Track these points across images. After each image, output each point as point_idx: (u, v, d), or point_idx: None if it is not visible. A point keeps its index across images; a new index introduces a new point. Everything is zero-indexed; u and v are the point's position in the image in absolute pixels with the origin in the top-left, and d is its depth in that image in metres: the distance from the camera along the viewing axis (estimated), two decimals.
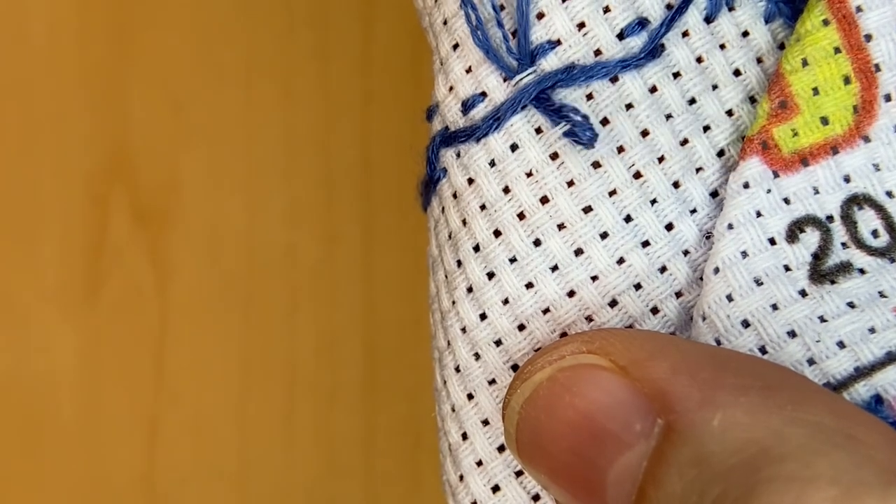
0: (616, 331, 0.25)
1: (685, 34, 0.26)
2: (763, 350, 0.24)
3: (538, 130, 0.26)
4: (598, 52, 0.26)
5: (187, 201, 0.45)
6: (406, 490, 0.45)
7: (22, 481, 0.45)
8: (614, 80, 0.25)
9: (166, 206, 0.45)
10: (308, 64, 0.45)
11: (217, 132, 0.45)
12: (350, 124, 0.45)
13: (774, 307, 0.24)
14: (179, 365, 0.45)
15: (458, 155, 0.26)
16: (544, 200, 0.26)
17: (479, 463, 0.27)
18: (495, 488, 0.26)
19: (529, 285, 0.26)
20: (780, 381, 0.23)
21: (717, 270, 0.25)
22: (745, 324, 0.24)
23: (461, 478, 0.27)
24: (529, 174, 0.26)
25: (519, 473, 0.26)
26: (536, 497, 0.26)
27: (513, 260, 0.26)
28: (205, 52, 0.45)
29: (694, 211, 0.25)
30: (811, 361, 0.24)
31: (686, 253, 0.26)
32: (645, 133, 0.25)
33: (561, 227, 0.26)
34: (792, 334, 0.24)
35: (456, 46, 0.26)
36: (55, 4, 0.45)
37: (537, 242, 0.26)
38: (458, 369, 0.27)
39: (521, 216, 0.26)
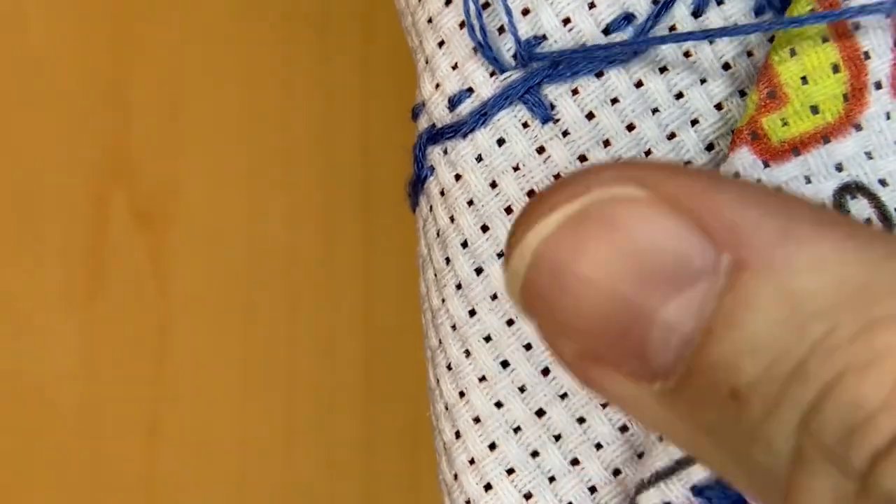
0: (658, 162, 0.21)
1: (672, 29, 0.25)
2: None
3: (525, 125, 0.26)
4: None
5: (187, 201, 0.45)
6: (406, 490, 0.45)
7: (22, 481, 0.45)
8: (599, 74, 0.25)
9: (166, 206, 0.45)
10: (308, 64, 0.45)
11: (217, 132, 0.45)
12: (350, 124, 0.45)
13: None
14: (179, 365, 0.45)
15: (446, 152, 0.26)
16: (531, 194, 0.26)
17: (472, 461, 0.26)
18: (487, 486, 0.26)
19: None
20: (851, 221, 0.20)
21: None
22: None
23: (455, 476, 0.27)
24: (516, 168, 0.26)
25: (510, 472, 0.26)
26: (528, 495, 0.26)
27: (500, 255, 0.26)
28: (205, 52, 0.45)
29: None
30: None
31: None
32: (631, 127, 0.25)
33: None
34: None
35: (441, 44, 0.26)
36: (55, 4, 0.45)
37: None
38: (449, 367, 0.27)
39: (508, 210, 0.26)
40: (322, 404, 0.45)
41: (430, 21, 0.26)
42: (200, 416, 0.45)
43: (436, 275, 0.27)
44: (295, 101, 0.45)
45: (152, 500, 0.45)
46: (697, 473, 0.24)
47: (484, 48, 0.26)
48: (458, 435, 0.27)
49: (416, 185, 0.27)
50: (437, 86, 0.26)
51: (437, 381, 0.27)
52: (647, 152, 0.25)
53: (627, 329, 0.21)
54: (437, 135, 0.26)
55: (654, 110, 0.25)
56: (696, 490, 0.24)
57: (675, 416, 0.21)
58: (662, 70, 0.26)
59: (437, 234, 0.27)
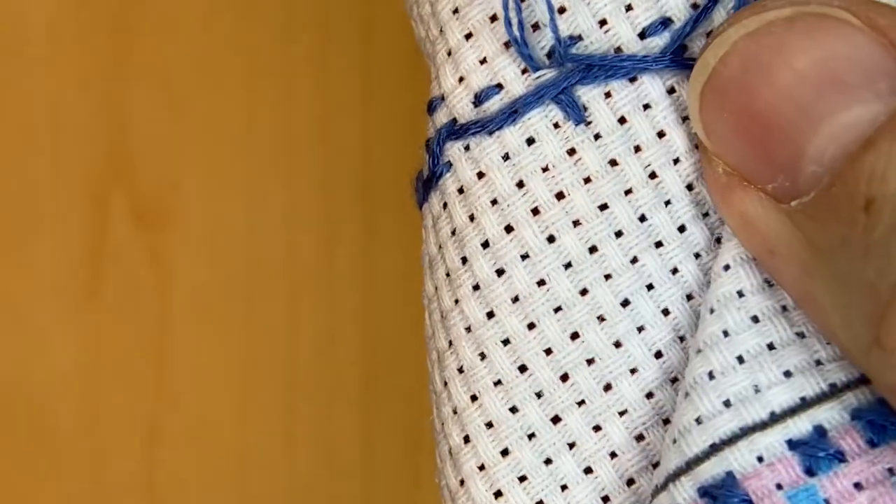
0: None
1: (710, 35, 0.25)
2: (771, 346, 0.24)
3: (556, 125, 0.25)
4: (618, 51, 0.25)
5: (187, 201, 0.45)
6: (406, 490, 0.45)
7: (22, 481, 0.45)
8: (633, 79, 0.25)
9: (166, 206, 0.45)
10: (308, 64, 0.45)
11: (217, 132, 0.45)
12: (350, 124, 0.45)
13: (784, 308, 0.24)
14: (179, 365, 0.45)
15: (467, 148, 0.26)
16: (560, 196, 0.25)
17: (482, 467, 0.26)
18: (497, 493, 0.26)
19: (541, 282, 0.25)
20: None
21: (727, 267, 0.25)
22: (755, 319, 0.24)
23: (462, 482, 0.26)
24: (546, 169, 0.25)
25: (522, 479, 0.26)
26: (540, 503, 0.26)
27: (525, 256, 0.25)
28: (205, 52, 0.45)
29: (706, 215, 0.25)
30: (818, 363, 0.24)
31: (697, 256, 0.25)
32: (662, 134, 0.25)
33: (576, 223, 0.25)
34: (801, 335, 0.24)
35: (469, 36, 0.26)
36: (55, 4, 0.45)
37: (551, 239, 0.25)
38: (461, 370, 0.26)
39: (535, 211, 0.25)
40: (322, 404, 0.45)
41: (455, 11, 0.26)
42: (200, 416, 0.45)
43: (449, 274, 0.26)
44: (295, 101, 0.45)
45: (152, 500, 0.45)
46: (705, 472, 0.23)
47: (520, 44, 0.25)
48: (466, 440, 0.26)
49: (429, 181, 0.27)
50: (461, 79, 0.26)
51: (446, 384, 0.26)
52: (676, 160, 0.25)
53: (790, 138, 0.22)
54: (459, 130, 0.26)
55: (685, 119, 0.25)
56: (702, 491, 0.23)
57: (800, 235, 0.22)
58: None
59: (453, 233, 0.26)
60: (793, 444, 0.23)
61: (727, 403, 0.24)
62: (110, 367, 0.45)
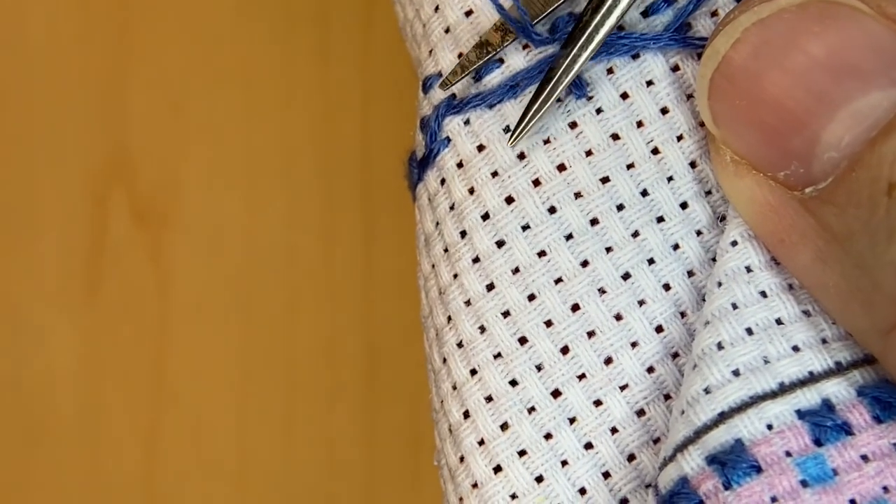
0: None
1: (714, 14, 0.25)
2: (779, 321, 0.24)
3: (557, 99, 0.25)
4: (620, 28, 0.25)
5: (187, 201, 0.45)
6: (406, 490, 0.45)
7: (22, 481, 0.45)
8: (636, 56, 0.25)
9: (166, 206, 0.45)
10: (308, 64, 0.45)
11: (217, 132, 0.45)
12: (350, 124, 0.45)
13: (791, 286, 0.24)
14: (179, 365, 0.45)
15: (467, 122, 0.26)
16: (561, 168, 0.25)
17: (481, 442, 0.26)
18: (497, 468, 0.25)
19: (542, 254, 0.25)
20: None
21: (734, 243, 0.25)
22: (763, 294, 0.24)
23: (461, 459, 0.26)
24: (547, 141, 0.25)
25: (522, 453, 0.25)
26: (540, 478, 0.25)
27: (525, 227, 0.25)
28: (205, 52, 0.45)
29: (709, 193, 0.25)
30: (824, 341, 0.24)
31: (699, 233, 0.25)
32: (665, 111, 0.25)
33: (578, 195, 0.25)
34: (807, 314, 0.24)
35: (469, 13, 0.26)
36: (55, 4, 0.45)
37: (552, 210, 0.25)
38: (460, 344, 0.26)
39: (536, 182, 0.25)
40: (322, 404, 0.45)
41: None
42: (200, 416, 0.45)
43: (447, 250, 0.26)
44: (295, 101, 0.45)
45: (151, 499, 0.45)
46: (713, 440, 0.23)
47: (524, 21, 0.25)
48: (466, 415, 0.26)
49: (425, 159, 0.27)
50: (461, 55, 0.26)
51: (444, 360, 0.26)
52: (679, 137, 0.25)
53: (804, 124, 0.22)
54: (459, 104, 0.26)
55: (690, 96, 0.25)
56: (710, 458, 0.23)
57: (814, 222, 0.22)
58: (700, 56, 0.25)
59: (451, 208, 0.26)
60: (802, 414, 0.23)
61: (736, 373, 0.24)
62: (110, 367, 0.45)
